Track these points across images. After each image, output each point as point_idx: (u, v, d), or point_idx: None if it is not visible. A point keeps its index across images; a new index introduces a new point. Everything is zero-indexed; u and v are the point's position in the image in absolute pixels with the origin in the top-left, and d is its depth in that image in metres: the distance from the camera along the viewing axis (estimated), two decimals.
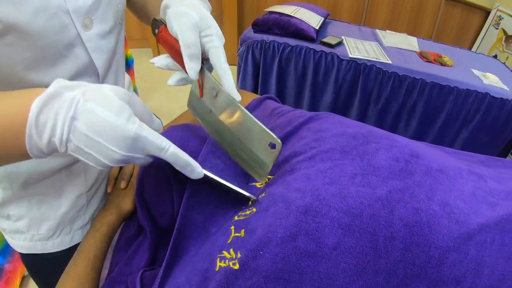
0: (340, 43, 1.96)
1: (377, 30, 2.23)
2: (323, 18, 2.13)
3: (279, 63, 2.04)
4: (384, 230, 0.43)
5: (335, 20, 2.39)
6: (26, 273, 1.73)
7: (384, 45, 2.01)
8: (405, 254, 0.42)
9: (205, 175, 0.47)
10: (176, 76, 0.55)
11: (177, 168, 0.45)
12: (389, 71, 1.80)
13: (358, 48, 1.93)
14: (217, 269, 0.44)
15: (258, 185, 0.51)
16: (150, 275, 0.52)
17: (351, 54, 1.86)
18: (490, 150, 1.92)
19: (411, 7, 2.67)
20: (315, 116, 0.64)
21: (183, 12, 0.51)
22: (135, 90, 2.32)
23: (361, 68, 1.84)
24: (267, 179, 0.55)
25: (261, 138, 0.49)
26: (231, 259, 0.44)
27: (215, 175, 0.49)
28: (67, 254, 0.62)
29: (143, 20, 0.77)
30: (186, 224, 0.54)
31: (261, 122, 0.49)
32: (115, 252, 0.63)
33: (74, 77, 0.56)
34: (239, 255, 0.43)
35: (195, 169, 0.46)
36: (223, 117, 0.53)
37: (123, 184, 0.69)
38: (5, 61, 0.48)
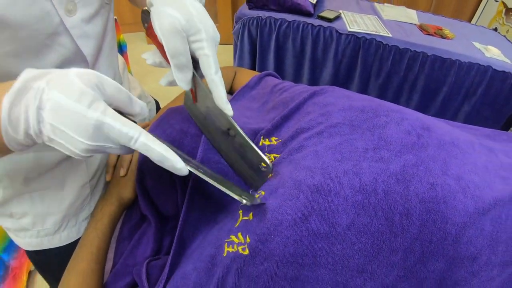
0: (338, 17, 1.91)
1: (375, 4, 2.17)
2: None
3: (277, 40, 1.99)
4: (400, 207, 0.41)
5: None
6: (33, 267, 1.71)
7: (383, 19, 1.96)
8: (421, 231, 0.40)
9: (191, 172, 0.40)
10: (168, 77, 0.50)
11: (154, 161, 0.38)
12: (390, 45, 1.76)
13: (357, 21, 1.88)
14: (225, 255, 0.42)
15: (264, 165, 0.48)
16: (156, 265, 0.50)
17: (350, 28, 1.80)
18: (492, 125, 1.89)
19: None
20: (320, 90, 0.60)
21: (165, 13, 0.44)
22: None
23: (360, 42, 1.80)
24: (273, 158, 0.51)
25: (252, 157, 0.47)
26: (240, 244, 0.41)
27: (209, 169, 0.46)
28: (75, 247, 0.59)
29: (134, 3, 0.71)
30: (192, 210, 0.52)
31: (262, 100, 0.47)
32: (119, 243, 0.61)
33: (61, 66, 0.51)
34: (248, 240, 0.41)
35: (175, 165, 0.38)
36: (215, 123, 0.50)
37: (122, 172, 0.65)
38: None
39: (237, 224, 0.44)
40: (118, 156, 0.69)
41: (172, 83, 0.50)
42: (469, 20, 2.87)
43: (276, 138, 0.54)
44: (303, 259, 0.39)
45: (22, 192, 0.62)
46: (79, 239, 0.64)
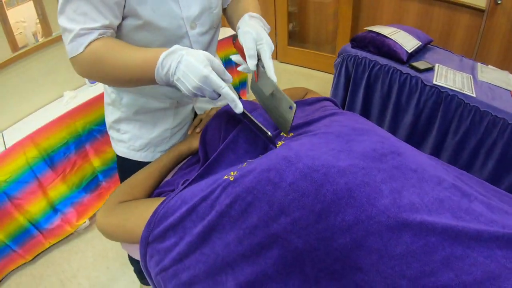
0: (429, 69, 2.01)
1: (479, 64, 2.19)
2: (421, 43, 2.19)
3: (368, 79, 2.19)
4: (328, 185, 0.56)
5: (439, 48, 2.40)
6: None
7: (477, 79, 1.99)
8: (337, 205, 0.55)
9: (243, 112, 0.75)
10: (243, 66, 0.86)
11: (228, 102, 0.74)
12: (471, 104, 1.80)
13: (447, 76, 1.96)
14: (222, 179, 0.67)
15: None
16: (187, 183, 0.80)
17: (435, 81, 1.91)
18: None
19: None
20: (340, 112, 0.84)
21: (246, 31, 0.82)
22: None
23: (443, 96, 1.88)
24: (280, 143, 0.77)
25: (286, 103, 0.75)
26: (232, 176, 0.66)
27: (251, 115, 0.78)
28: (146, 164, 0.98)
29: (233, 30, 1.12)
30: (221, 156, 0.80)
31: (307, 112, 0.81)
32: (178, 170, 0.96)
33: None
34: (236, 174, 0.67)
35: (237, 105, 0.74)
36: (266, 92, 0.81)
37: (198, 129, 1.03)
38: (145, 43, 0.87)
39: (238, 168, 0.70)
40: (199, 122, 1.06)
41: (244, 70, 0.86)
42: None
43: (292, 134, 0.79)
44: (257, 192, 0.60)
45: (131, 119, 1.07)
46: (150, 162, 1.03)
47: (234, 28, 1.04)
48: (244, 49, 0.80)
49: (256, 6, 1.00)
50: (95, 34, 0.77)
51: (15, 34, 1.81)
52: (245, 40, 0.80)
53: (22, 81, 1.92)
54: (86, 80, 2.15)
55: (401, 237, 0.51)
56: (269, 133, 0.75)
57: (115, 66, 0.78)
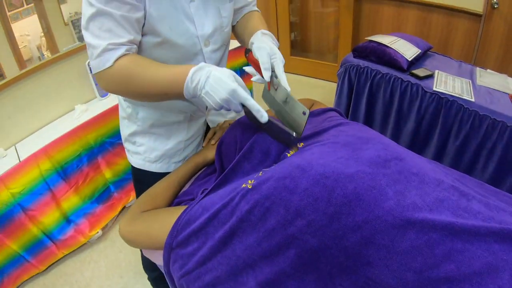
0: (429, 76, 2.07)
1: (477, 69, 2.24)
2: (421, 51, 2.25)
3: (370, 88, 2.26)
4: (339, 190, 0.62)
5: (438, 54, 2.46)
6: (127, 204, 2.31)
7: (476, 84, 2.05)
8: (348, 207, 0.60)
9: (268, 120, 0.81)
10: (256, 77, 0.92)
11: (253, 112, 0.80)
12: (470, 109, 1.86)
13: (446, 82, 2.02)
14: (241, 187, 0.72)
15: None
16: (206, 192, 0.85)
17: (435, 87, 1.97)
18: None
19: None
20: (346, 122, 0.90)
21: (261, 46, 0.90)
22: None
23: (443, 102, 1.94)
24: (292, 152, 0.83)
25: (299, 109, 0.83)
26: (250, 184, 0.72)
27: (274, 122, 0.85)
28: (161, 176, 1.04)
29: (241, 44, 1.18)
30: (237, 166, 0.86)
31: (315, 124, 0.86)
32: (195, 180, 1.02)
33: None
34: (253, 182, 0.72)
35: (263, 115, 0.80)
36: (279, 99, 0.88)
37: (213, 142, 1.09)
38: (163, 59, 0.93)
39: (255, 176, 0.75)
40: (213, 134, 1.12)
41: (258, 80, 0.93)
42: None
43: (303, 144, 0.84)
44: (274, 198, 0.65)
45: (146, 132, 1.13)
46: (166, 172, 1.10)
47: (243, 43, 1.13)
48: (260, 63, 0.87)
49: (264, 24, 1.08)
50: (122, 50, 0.82)
51: (20, 47, 1.86)
52: (260, 55, 0.88)
53: (34, 96, 1.98)
54: (97, 93, 2.22)
55: (406, 234, 0.56)
56: (294, 135, 0.83)
57: (145, 80, 0.84)
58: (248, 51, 0.95)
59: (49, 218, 1.87)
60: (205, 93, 0.80)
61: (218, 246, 0.70)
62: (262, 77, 0.88)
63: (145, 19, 0.86)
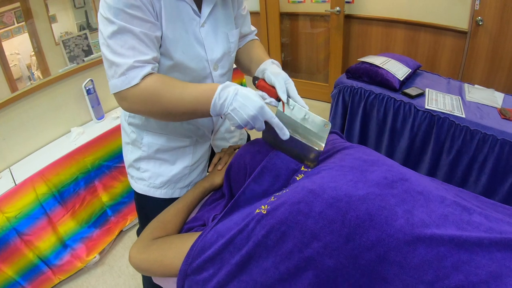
0: (421, 95, 2.14)
1: (465, 84, 2.32)
2: (411, 70, 2.32)
3: (364, 108, 2.31)
4: (352, 212, 0.65)
5: (427, 72, 2.54)
6: (124, 228, 2.29)
7: (465, 100, 2.12)
8: (362, 228, 0.63)
9: (290, 136, 0.85)
10: (269, 99, 0.92)
11: (276, 130, 0.84)
12: (461, 125, 1.92)
13: (437, 100, 2.08)
14: (255, 212, 0.74)
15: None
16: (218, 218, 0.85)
17: (427, 105, 2.02)
18: None
19: (510, 63, 2.64)
20: (350, 146, 0.93)
21: (277, 73, 0.93)
22: None
23: (435, 120, 2.00)
24: (301, 176, 0.84)
25: (320, 122, 0.90)
26: (264, 209, 0.73)
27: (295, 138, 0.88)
28: (166, 202, 1.04)
29: (243, 72, 1.22)
30: (247, 190, 0.86)
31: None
32: (202, 206, 1.02)
33: None
34: (267, 207, 0.73)
35: (285, 133, 0.84)
36: (297, 118, 0.91)
37: (219, 167, 1.09)
38: None
39: (268, 201, 0.76)
40: (218, 160, 1.13)
41: (271, 103, 0.92)
42: None
43: (311, 168, 0.87)
44: (289, 223, 0.67)
45: (151, 158, 1.12)
46: (171, 198, 1.11)
47: (245, 69, 1.17)
48: (277, 87, 0.91)
49: (265, 53, 1.15)
50: (148, 68, 0.83)
51: (10, 66, 1.82)
52: (277, 80, 0.92)
53: (29, 118, 1.97)
54: (93, 116, 2.22)
55: (416, 249, 0.60)
56: (317, 148, 0.86)
57: (172, 98, 0.84)
58: (256, 79, 0.99)
59: (45, 242, 1.83)
60: (232, 110, 0.82)
61: (234, 271, 0.71)
62: (277, 100, 0.91)
63: (161, 40, 0.88)
